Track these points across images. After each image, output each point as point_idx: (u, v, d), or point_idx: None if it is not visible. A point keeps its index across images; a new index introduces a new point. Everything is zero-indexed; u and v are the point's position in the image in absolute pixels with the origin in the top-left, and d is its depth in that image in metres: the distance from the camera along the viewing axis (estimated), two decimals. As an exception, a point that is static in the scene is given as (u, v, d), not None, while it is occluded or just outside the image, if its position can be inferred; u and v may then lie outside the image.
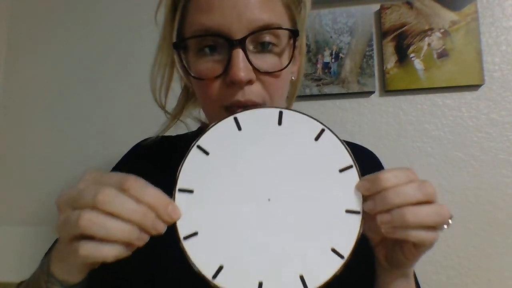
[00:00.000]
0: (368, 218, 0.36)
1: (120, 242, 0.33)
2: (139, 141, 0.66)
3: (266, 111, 0.38)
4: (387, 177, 0.36)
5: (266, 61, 0.47)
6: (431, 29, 0.88)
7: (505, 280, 0.81)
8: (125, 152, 0.66)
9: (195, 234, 0.35)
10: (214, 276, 0.34)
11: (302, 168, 0.37)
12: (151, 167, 0.60)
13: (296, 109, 0.39)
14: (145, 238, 0.34)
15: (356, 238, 0.36)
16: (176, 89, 0.60)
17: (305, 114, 0.38)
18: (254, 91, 0.47)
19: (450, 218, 0.37)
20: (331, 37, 0.91)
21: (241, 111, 0.38)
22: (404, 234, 0.36)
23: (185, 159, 0.36)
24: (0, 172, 1.01)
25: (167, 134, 0.63)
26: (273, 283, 0.34)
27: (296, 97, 0.62)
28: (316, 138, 0.37)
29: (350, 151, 0.37)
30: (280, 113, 0.37)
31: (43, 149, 1.00)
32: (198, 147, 0.37)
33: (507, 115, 0.85)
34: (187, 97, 0.61)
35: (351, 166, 0.37)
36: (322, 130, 0.37)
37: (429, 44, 0.87)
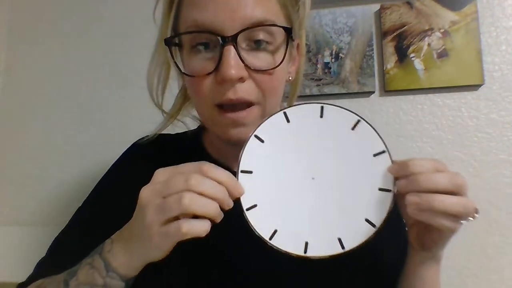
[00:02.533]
0: (398, 197, 0.41)
1: (210, 217, 0.38)
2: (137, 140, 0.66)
3: (311, 105, 0.44)
4: (416, 163, 0.40)
5: (258, 59, 0.47)
6: (431, 29, 0.88)
7: (505, 280, 0.81)
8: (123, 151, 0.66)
9: (255, 206, 0.42)
10: (270, 238, 0.41)
11: (341, 153, 0.43)
12: (149, 167, 0.60)
13: (335, 104, 0.44)
14: (222, 215, 0.40)
15: (387, 211, 0.41)
16: (174, 88, 0.60)
17: (343, 108, 0.44)
18: (246, 89, 0.47)
19: (476, 213, 0.40)
20: (331, 37, 0.91)
21: (289, 107, 0.44)
22: (427, 217, 0.39)
23: (245, 146, 0.43)
24: (0, 172, 1.01)
25: (165, 132, 0.63)
26: (317, 243, 0.42)
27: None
28: (353, 128, 0.44)
29: (382, 138, 0.43)
30: (322, 107, 0.44)
31: (43, 149, 1.00)
32: (255, 136, 0.43)
33: (507, 115, 0.85)
34: (185, 96, 0.61)
35: (383, 151, 0.43)
36: (358, 121, 0.44)
37: (429, 44, 0.87)
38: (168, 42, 0.49)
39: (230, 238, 0.50)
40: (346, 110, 0.44)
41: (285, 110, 0.44)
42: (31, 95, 1.02)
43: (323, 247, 0.41)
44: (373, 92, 0.90)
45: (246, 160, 0.43)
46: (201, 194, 0.38)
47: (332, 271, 0.49)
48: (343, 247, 0.41)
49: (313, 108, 0.44)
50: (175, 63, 0.50)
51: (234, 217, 0.40)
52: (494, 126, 0.85)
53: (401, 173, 0.40)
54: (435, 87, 0.87)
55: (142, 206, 0.40)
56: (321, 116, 0.44)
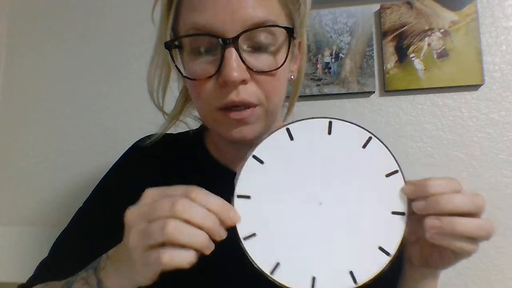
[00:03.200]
0: (412, 219, 0.39)
1: (195, 248, 0.35)
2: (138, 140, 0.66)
3: (317, 121, 0.41)
4: (434, 183, 0.37)
5: (260, 60, 0.46)
6: (431, 29, 0.88)
7: (505, 280, 0.81)
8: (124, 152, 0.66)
9: (254, 235, 0.38)
10: (272, 272, 0.37)
11: (351, 174, 0.40)
12: (150, 167, 0.60)
13: (345, 119, 0.41)
14: (212, 246, 0.37)
15: (402, 237, 0.38)
16: (175, 89, 0.59)
17: (353, 123, 0.41)
18: (248, 91, 0.46)
19: (492, 235, 0.38)
20: (331, 37, 0.91)
21: (292, 122, 0.40)
22: (448, 242, 0.37)
23: (242, 168, 0.40)
24: (0, 172, 1.01)
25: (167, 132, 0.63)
26: (325, 278, 0.38)
27: (296, 97, 0.62)
28: (364, 146, 0.40)
29: (395, 157, 0.40)
30: (330, 123, 0.40)
31: (43, 149, 1.00)
32: (254, 156, 0.40)
33: (507, 115, 0.85)
34: (186, 98, 0.60)
35: (396, 171, 0.40)
36: (370, 138, 0.41)
37: (429, 44, 0.87)
38: (168, 46, 0.49)
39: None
40: (356, 126, 0.41)
41: (288, 126, 0.40)
42: (31, 95, 1.02)
43: (332, 282, 0.38)
44: (373, 92, 0.90)
45: (243, 183, 0.39)
46: (187, 221, 0.35)
47: None
48: (355, 281, 0.37)
49: (320, 123, 0.40)
50: (176, 66, 0.50)
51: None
52: (494, 126, 0.85)
53: (418, 194, 0.38)
54: (435, 87, 0.87)
55: (127, 229, 0.38)
56: (329, 133, 0.40)
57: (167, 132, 0.62)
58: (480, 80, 0.85)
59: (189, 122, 0.64)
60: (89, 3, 1.03)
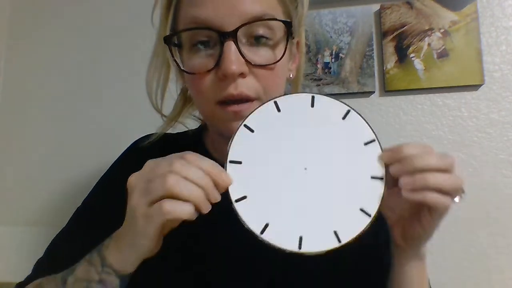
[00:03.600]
0: (389, 186, 0.41)
1: (194, 203, 0.38)
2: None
3: (301, 95, 0.44)
4: (408, 147, 0.40)
5: (259, 54, 0.47)
6: (431, 29, 0.88)
7: (505, 280, 0.81)
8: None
9: (245, 197, 0.41)
10: (262, 232, 0.40)
11: (333, 142, 0.43)
12: None
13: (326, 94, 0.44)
14: (209, 206, 0.39)
15: (380, 199, 0.41)
16: (173, 92, 0.59)
17: (333, 98, 0.44)
18: (247, 84, 0.47)
19: (463, 192, 0.41)
20: (331, 37, 0.91)
21: (279, 96, 0.43)
22: (422, 196, 0.39)
23: (234, 136, 0.42)
24: (0, 172, 1.01)
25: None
26: (311, 237, 0.40)
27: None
28: (343, 117, 0.43)
29: (372, 128, 0.43)
30: (313, 97, 0.44)
31: (43, 149, 1.00)
32: (245, 126, 0.43)
33: (507, 115, 0.85)
34: (185, 100, 0.60)
35: (374, 140, 0.43)
36: (348, 111, 0.43)
37: (429, 44, 0.87)
38: (168, 41, 0.49)
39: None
40: (336, 100, 0.44)
41: (275, 100, 0.43)
42: (31, 95, 1.02)
43: (318, 242, 0.40)
44: (373, 92, 0.90)
45: (235, 150, 0.42)
46: (185, 178, 0.38)
47: (325, 271, 0.49)
48: (339, 241, 0.40)
49: (304, 97, 0.44)
50: (175, 60, 0.50)
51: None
52: (494, 126, 0.85)
53: (394, 158, 0.41)
54: (435, 87, 0.87)
55: (130, 192, 0.40)
56: (312, 106, 0.43)
57: (166, 132, 0.62)
58: (480, 80, 0.85)
59: (188, 123, 0.64)
60: (89, 3, 1.03)
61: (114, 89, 0.99)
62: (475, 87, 0.86)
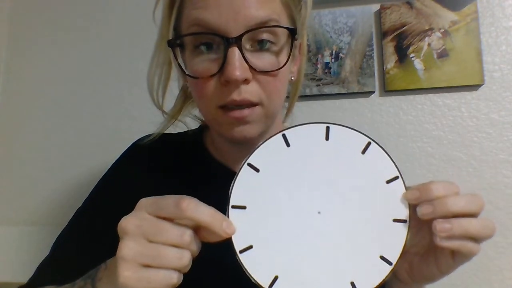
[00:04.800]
0: (413, 227, 0.38)
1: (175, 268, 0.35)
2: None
3: (314, 126, 0.39)
4: (437, 187, 0.37)
5: (263, 60, 0.47)
6: (431, 29, 0.88)
7: (505, 280, 0.81)
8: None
9: (250, 247, 0.37)
10: (270, 286, 0.36)
11: (350, 181, 0.38)
12: (149, 166, 0.60)
13: (343, 124, 0.39)
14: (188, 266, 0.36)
15: (404, 245, 0.37)
16: (174, 89, 0.59)
17: (351, 128, 0.39)
18: (250, 90, 0.46)
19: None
20: (331, 37, 0.91)
21: (288, 128, 0.39)
22: (457, 244, 0.36)
23: (236, 177, 0.38)
24: (0, 172, 1.01)
25: (166, 131, 0.63)
26: None
27: (296, 97, 0.62)
28: (363, 151, 0.39)
29: (395, 162, 0.39)
30: (327, 128, 0.39)
31: (43, 149, 1.00)
32: (249, 164, 0.38)
33: (507, 115, 0.85)
34: (185, 97, 0.60)
35: (397, 177, 0.38)
36: (369, 143, 0.39)
37: (429, 44, 0.87)
38: (171, 44, 0.49)
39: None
40: (354, 131, 0.39)
41: (284, 132, 0.39)
42: (31, 95, 1.02)
43: None
44: (373, 92, 0.90)
45: (238, 193, 0.37)
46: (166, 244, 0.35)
47: None
48: None
49: (317, 129, 0.39)
50: (179, 64, 0.50)
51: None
52: (494, 126, 0.85)
53: (422, 199, 0.37)
54: (435, 87, 0.87)
55: (120, 237, 0.37)
56: (327, 139, 0.39)
57: (166, 132, 0.62)
58: (480, 80, 0.85)
59: (188, 122, 0.64)
60: (89, 3, 1.03)
61: (114, 89, 0.99)
62: (475, 87, 0.86)
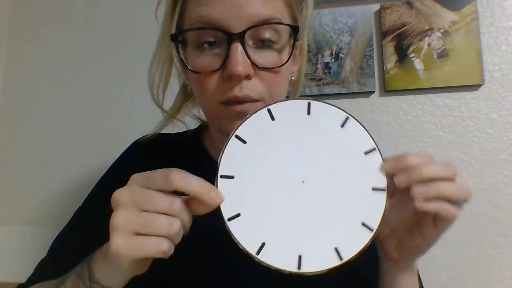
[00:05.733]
0: (392, 194, 0.40)
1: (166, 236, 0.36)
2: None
3: (297, 102, 0.41)
4: (412, 157, 0.39)
5: (265, 57, 0.47)
6: (431, 29, 0.88)
7: (505, 280, 0.81)
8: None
9: (238, 215, 0.38)
10: (258, 252, 0.37)
11: (331, 153, 0.40)
12: (149, 166, 0.60)
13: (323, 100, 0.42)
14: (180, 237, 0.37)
15: (383, 212, 0.39)
16: (174, 87, 0.59)
17: (331, 104, 0.41)
18: (252, 87, 0.47)
19: (468, 201, 0.40)
20: (331, 37, 0.91)
21: (273, 103, 0.41)
22: (436, 206, 0.38)
23: (224, 148, 0.39)
24: (0, 172, 1.01)
25: (165, 131, 0.63)
26: (311, 255, 0.38)
27: (296, 97, 0.62)
28: (342, 125, 0.41)
29: (372, 136, 0.41)
30: (309, 104, 0.41)
31: (43, 149, 1.00)
32: (236, 136, 0.40)
33: (507, 115, 0.85)
34: (185, 95, 0.60)
35: (374, 149, 0.40)
36: (347, 118, 0.41)
37: (429, 44, 0.87)
38: (174, 39, 0.49)
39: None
40: (334, 107, 0.41)
41: (269, 107, 0.40)
42: (31, 95, 1.02)
43: (318, 260, 0.37)
44: (373, 92, 0.90)
45: (226, 163, 0.39)
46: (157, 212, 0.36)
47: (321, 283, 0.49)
48: (341, 258, 0.37)
49: (300, 104, 0.41)
50: (181, 59, 0.50)
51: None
52: (494, 126, 0.85)
53: (398, 169, 0.39)
54: (435, 87, 0.87)
55: (113, 207, 0.38)
56: (308, 113, 0.41)
57: (165, 132, 0.62)
58: (480, 80, 0.85)
59: (187, 122, 0.64)
60: (89, 3, 1.03)
61: (114, 89, 0.99)
62: (475, 87, 0.86)
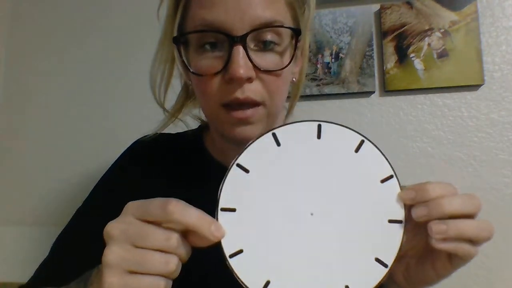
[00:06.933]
0: (409, 229, 0.37)
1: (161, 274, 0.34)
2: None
3: (305, 124, 0.37)
4: (433, 187, 0.36)
5: (266, 60, 0.47)
6: (431, 29, 0.88)
7: (505, 280, 0.81)
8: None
9: (241, 251, 0.35)
10: None
11: (344, 181, 0.37)
12: (149, 166, 0.60)
13: (335, 121, 0.38)
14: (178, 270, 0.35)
15: (399, 246, 0.36)
16: (175, 86, 0.59)
17: (344, 126, 0.37)
18: (253, 89, 0.47)
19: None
20: (331, 37, 0.91)
21: (279, 127, 0.37)
22: (454, 246, 0.35)
23: (225, 178, 0.36)
24: (0, 172, 1.01)
25: (166, 131, 0.63)
26: None
27: (297, 97, 0.62)
28: (356, 150, 0.37)
29: (389, 161, 0.37)
30: (319, 126, 0.37)
31: (43, 149, 1.00)
32: (238, 165, 0.36)
33: (507, 115, 0.85)
34: (187, 95, 0.60)
35: (391, 176, 0.37)
36: (362, 141, 0.37)
37: (429, 44, 0.87)
38: (177, 41, 0.49)
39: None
40: (347, 129, 0.37)
41: (274, 131, 0.37)
42: (31, 95, 1.02)
43: None
44: (373, 92, 0.90)
45: (227, 195, 0.36)
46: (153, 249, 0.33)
47: None
48: None
49: (309, 127, 0.37)
50: (183, 61, 0.50)
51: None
52: (494, 126, 0.85)
53: (418, 200, 0.36)
54: (435, 87, 0.87)
55: (106, 242, 0.36)
56: (319, 137, 0.37)
57: (166, 133, 0.62)
58: (480, 80, 0.85)
59: (188, 122, 0.64)
60: (90, 3, 1.03)
61: (114, 89, 0.99)
62: (475, 87, 0.86)
